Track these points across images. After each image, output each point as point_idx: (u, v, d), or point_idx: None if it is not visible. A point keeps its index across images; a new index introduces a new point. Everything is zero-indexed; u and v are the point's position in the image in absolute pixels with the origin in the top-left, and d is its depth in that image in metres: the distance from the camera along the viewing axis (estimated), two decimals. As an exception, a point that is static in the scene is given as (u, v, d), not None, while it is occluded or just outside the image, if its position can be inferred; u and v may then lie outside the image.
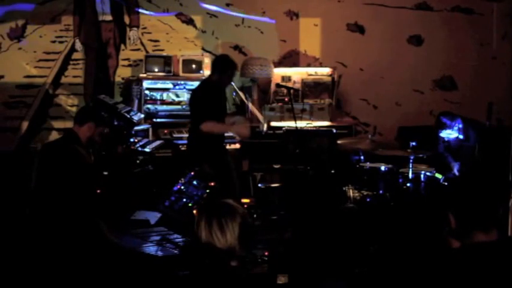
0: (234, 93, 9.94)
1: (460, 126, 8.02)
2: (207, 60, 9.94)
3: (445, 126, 8.07)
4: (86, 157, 6.12)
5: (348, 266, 6.21)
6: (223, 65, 7.70)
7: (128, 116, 8.44)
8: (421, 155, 7.82)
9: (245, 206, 7.14)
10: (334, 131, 9.21)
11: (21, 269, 5.44)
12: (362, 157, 8.16)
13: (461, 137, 8.02)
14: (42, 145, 7.26)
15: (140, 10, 10.35)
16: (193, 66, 9.90)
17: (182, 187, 7.05)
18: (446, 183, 7.53)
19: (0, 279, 5.46)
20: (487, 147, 7.90)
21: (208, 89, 7.67)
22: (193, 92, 8.06)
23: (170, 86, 9.82)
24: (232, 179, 7.77)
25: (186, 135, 9.28)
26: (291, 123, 8.82)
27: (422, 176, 7.71)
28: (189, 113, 9.68)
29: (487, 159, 7.75)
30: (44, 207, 5.87)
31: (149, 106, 9.71)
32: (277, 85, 9.72)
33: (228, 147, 8.59)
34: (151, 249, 5.60)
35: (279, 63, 10.65)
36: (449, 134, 8.02)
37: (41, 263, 5.36)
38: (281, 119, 9.82)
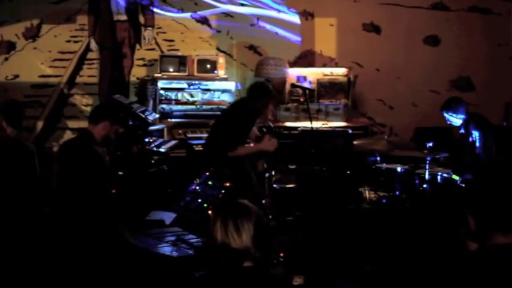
0: None
1: (463, 117, 7.89)
2: (222, 60, 9.93)
3: (450, 109, 7.93)
4: (103, 157, 6.10)
5: (363, 267, 6.18)
6: (258, 94, 7.48)
7: (143, 116, 8.43)
8: (437, 156, 7.76)
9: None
10: (350, 131, 9.17)
11: (40, 266, 5.44)
12: (378, 158, 8.12)
13: (462, 130, 7.92)
14: (59, 145, 7.26)
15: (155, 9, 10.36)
16: (208, 66, 9.89)
17: (197, 187, 7.04)
18: (463, 185, 7.47)
19: (19, 277, 5.46)
20: (505, 147, 7.84)
21: (244, 115, 7.50)
22: (227, 114, 7.80)
23: (185, 85, 9.81)
24: (252, 181, 7.66)
25: (201, 135, 9.26)
26: (306, 124, 8.78)
27: (439, 177, 7.64)
28: (203, 113, 9.68)
29: (505, 159, 7.68)
30: (65, 207, 5.87)
31: (164, 106, 9.70)
32: (293, 85, 9.67)
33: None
34: (166, 249, 5.59)
35: (294, 63, 10.62)
36: (451, 119, 7.93)
37: (58, 261, 5.35)
38: (296, 119, 9.80)
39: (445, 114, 7.91)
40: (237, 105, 7.92)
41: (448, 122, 7.98)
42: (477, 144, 7.78)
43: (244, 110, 7.51)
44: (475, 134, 7.80)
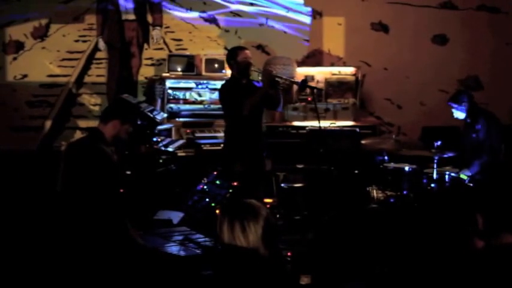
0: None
1: (467, 103, 7.88)
2: (230, 60, 9.95)
3: (456, 102, 7.94)
4: (111, 156, 6.09)
5: (370, 267, 6.17)
6: (229, 57, 7.63)
7: (151, 116, 8.44)
8: (445, 156, 7.75)
9: (268, 206, 7.11)
10: (358, 131, 9.15)
11: (47, 267, 5.45)
12: (386, 157, 8.11)
13: (468, 120, 7.90)
14: (67, 144, 7.25)
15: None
16: (216, 65, 9.90)
17: (205, 187, 7.03)
18: (471, 184, 7.46)
19: (27, 277, 5.48)
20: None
21: (231, 85, 7.55)
22: (219, 92, 7.95)
23: (193, 85, 9.83)
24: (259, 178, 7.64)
25: (209, 134, 9.29)
26: (314, 123, 8.78)
27: (446, 176, 7.63)
28: (211, 112, 9.69)
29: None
30: (71, 207, 5.87)
31: (172, 105, 9.71)
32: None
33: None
34: (173, 249, 5.59)
35: (302, 63, 10.61)
36: (454, 111, 7.94)
37: (66, 261, 5.36)
38: (304, 118, 9.79)
39: (451, 105, 7.94)
40: (227, 80, 7.90)
41: (454, 116, 7.98)
42: (482, 138, 7.74)
43: (231, 81, 7.60)
44: (482, 130, 7.77)
